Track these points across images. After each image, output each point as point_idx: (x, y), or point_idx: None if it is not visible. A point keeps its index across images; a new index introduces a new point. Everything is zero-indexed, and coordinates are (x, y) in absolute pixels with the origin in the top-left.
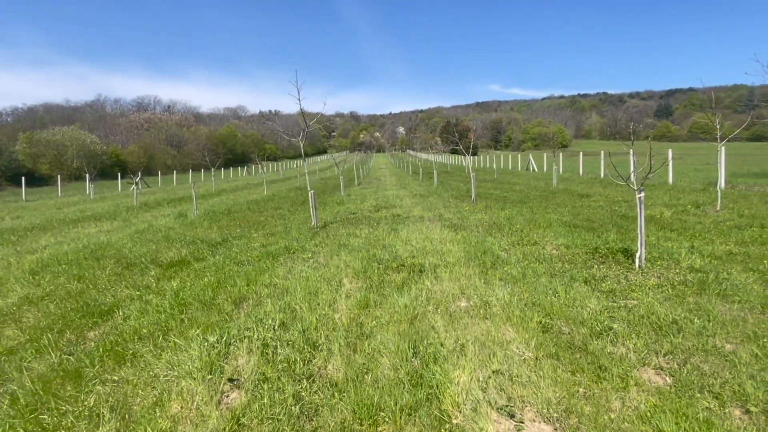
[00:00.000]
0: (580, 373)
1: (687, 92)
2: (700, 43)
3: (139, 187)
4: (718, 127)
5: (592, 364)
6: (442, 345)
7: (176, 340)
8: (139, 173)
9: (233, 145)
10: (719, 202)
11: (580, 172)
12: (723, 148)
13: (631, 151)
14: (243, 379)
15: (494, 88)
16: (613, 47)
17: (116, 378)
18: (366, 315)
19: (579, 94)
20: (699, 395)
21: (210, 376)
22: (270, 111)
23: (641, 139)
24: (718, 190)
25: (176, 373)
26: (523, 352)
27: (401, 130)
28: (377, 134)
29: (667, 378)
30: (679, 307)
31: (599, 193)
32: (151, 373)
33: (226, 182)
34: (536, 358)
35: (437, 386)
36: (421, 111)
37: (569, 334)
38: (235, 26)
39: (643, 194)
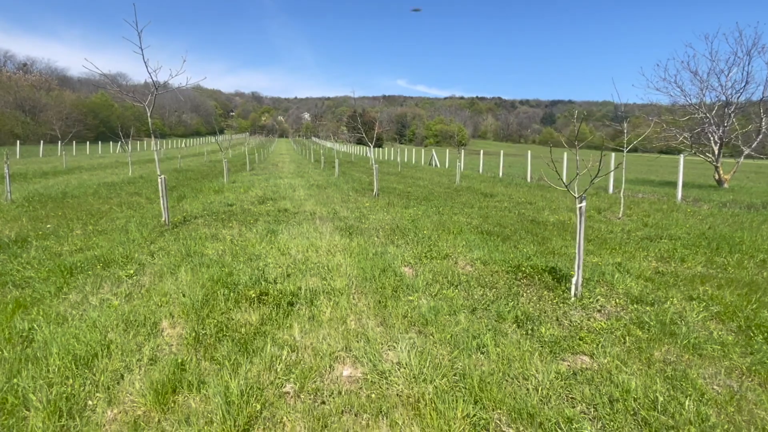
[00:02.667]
0: None
1: (567, 103)
2: (578, 61)
3: None
4: (626, 137)
5: None
6: None
7: None
8: None
9: (108, 117)
10: (621, 210)
11: (481, 170)
12: (609, 156)
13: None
14: None
15: (401, 83)
16: (507, 56)
17: None
18: (162, 420)
19: (477, 96)
20: None
21: None
22: (159, 81)
23: (529, 142)
24: (621, 197)
25: None
26: None
27: (306, 116)
28: (281, 118)
29: None
30: (654, 377)
31: (502, 192)
32: None
33: (89, 158)
34: None
35: None
36: (328, 98)
37: None
38: None
39: (584, 203)
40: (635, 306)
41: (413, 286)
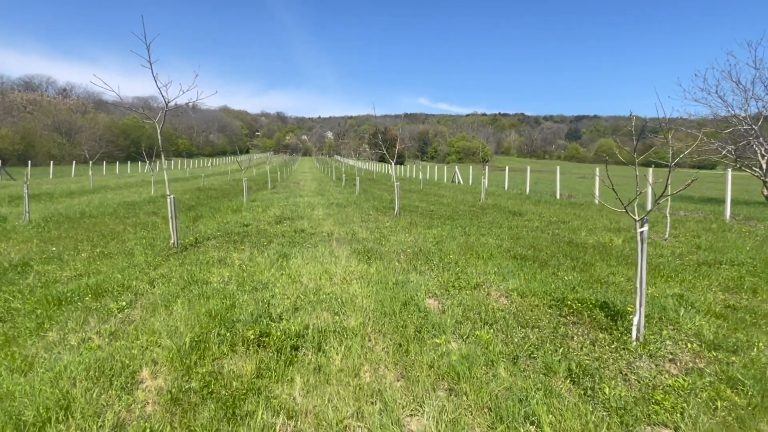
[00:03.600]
0: None
1: (592, 119)
2: (603, 74)
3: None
4: (671, 151)
5: None
6: None
7: None
8: (0, 162)
9: (138, 137)
10: (668, 230)
11: (506, 187)
12: (645, 172)
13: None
14: None
15: (422, 101)
16: (530, 72)
17: None
18: None
19: (500, 113)
20: None
21: None
22: (187, 104)
23: (554, 158)
24: (668, 215)
25: None
26: None
27: (329, 135)
28: (304, 137)
29: None
30: None
31: (531, 211)
32: None
33: (117, 178)
34: None
35: None
36: (351, 117)
37: None
38: (152, 10)
39: (646, 228)
40: (714, 354)
41: (440, 324)
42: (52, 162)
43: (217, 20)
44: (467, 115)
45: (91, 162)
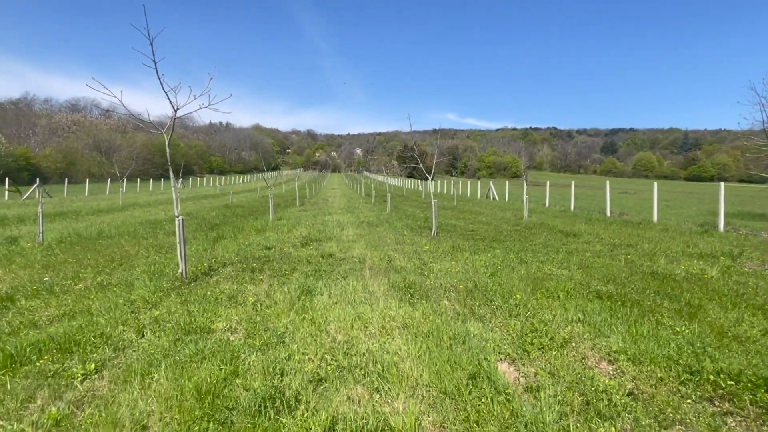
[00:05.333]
0: None
1: (629, 131)
2: (640, 86)
3: (40, 196)
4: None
5: None
6: None
7: None
8: (38, 180)
9: (174, 155)
10: None
11: (547, 203)
12: (722, 187)
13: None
14: None
15: (450, 117)
16: (561, 86)
17: None
18: None
19: (530, 127)
20: None
21: None
22: (220, 123)
23: (590, 172)
24: None
25: None
26: None
27: (358, 151)
28: (334, 154)
29: None
30: None
31: (586, 231)
32: None
33: (149, 195)
34: None
35: None
36: (379, 134)
37: None
38: (188, 34)
39: None
40: None
41: (534, 421)
42: (88, 180)
43: (250, 44)
44: (497, 130)
45: (125, 179)
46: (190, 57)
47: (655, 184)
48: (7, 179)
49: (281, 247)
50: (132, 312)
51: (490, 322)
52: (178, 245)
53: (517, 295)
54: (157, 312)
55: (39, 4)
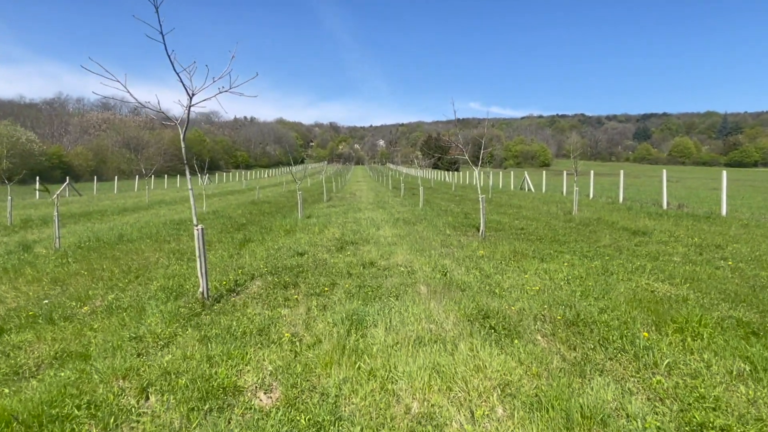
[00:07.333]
0: None
1: (662, 117)
2: (673, 69)
3: (65, 194)
4: None
5: None
6: None
7: None
8: (68, 179)
9: (200, 151)
10: None
11: (591, 194)
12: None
13: None
14: None
15: (474, 105)
16: (590, 71)
17: None
18: None
19: (558, 114)
20: None
21: None
22: (245, 117)
23: (622, 160)
24: None
25: None
26: None
27: (381, 143)
28: (357, 146)
29: None
30: None
31: (655, 228)
32: None
33: (176, 191)
34: None
35: None
36: (402, 125)
37: None
38: (212, 30)
39: None
40: None
41: None
42: (116, 177)
43: (272, 38)
44: (522, 118)
45: (152, 176)
46: (209, 54)
47: (724, 172)
48: (37, 178)
49: (315, 252)
50: (138, 355)
51: (622, 378)
52: (197, 260)
53: (644, 334)
54: (168, 357)
55: (76, 7)
